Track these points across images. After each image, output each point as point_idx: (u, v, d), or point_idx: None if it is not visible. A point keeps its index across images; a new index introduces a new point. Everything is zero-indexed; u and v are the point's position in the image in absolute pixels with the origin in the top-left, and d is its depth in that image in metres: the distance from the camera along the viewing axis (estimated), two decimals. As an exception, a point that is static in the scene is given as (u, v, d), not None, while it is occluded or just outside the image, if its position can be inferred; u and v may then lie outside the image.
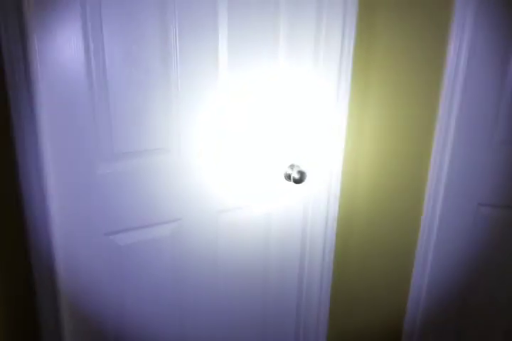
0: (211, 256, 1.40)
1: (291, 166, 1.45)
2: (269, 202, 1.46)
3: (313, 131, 1.45)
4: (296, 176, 1.41)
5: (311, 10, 1.30)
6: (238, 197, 1.39)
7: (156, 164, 1.23)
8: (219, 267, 1.43)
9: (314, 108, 1.43)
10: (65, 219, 1.13)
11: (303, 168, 1.45)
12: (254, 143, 1.37)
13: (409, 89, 1.48)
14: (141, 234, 1.27)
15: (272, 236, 1.51)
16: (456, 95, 1.42)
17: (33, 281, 1.13)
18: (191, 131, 1.25)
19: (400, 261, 1.69)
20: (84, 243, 1.18)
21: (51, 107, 1.03)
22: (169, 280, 1.36)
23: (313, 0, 1.29)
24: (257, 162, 1.39)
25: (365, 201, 1.60)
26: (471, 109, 1.43)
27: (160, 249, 1.31)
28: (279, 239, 1.52)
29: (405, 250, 1.67)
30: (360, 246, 1.66)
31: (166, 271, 1.34)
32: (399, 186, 1.60)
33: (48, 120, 1.04)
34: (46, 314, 1.16)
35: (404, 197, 1.60)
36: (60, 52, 1.01)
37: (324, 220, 1.52)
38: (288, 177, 1.45)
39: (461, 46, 1.38)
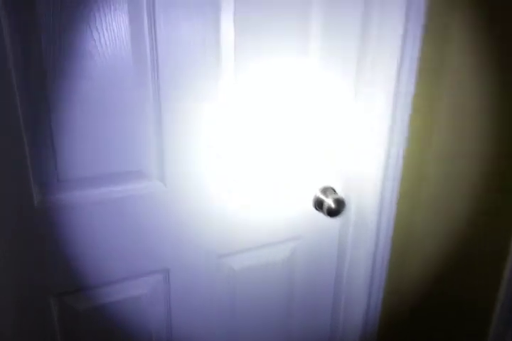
0: (213, 317, 1.00)
1: (324, 190, 1.04)
2: (291, 242, 1.05)
3: (356, 135, 1.03)
4: (333, 206, 1.00)
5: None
6: (246, 235, 0.98)
7: (127, 194, 0.83)
8: (227, 333, 1.03)
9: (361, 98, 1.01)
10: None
11: (341, 195, 1.04)
12: (269, 157, 0.95)
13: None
14: (107, 294, 0.88)
15: (296, 290, 1.10)
16: None
17: None
18: (179, 144, 0.84)
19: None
20: (24, 307, 0.81)
21: None
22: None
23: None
24: (273, 184, 0.98)
25: (430, 242, 1.16)
26: None
27: (137, 313, 0.92)
28: (305, 295, 1.12)
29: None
30: (418, 312, 1.23)
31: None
32: (486, 221, 1.16)
33: None
34: None
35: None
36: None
37: (370, 269, 1.10)
38: (319, 205, 1.04)
39: None
